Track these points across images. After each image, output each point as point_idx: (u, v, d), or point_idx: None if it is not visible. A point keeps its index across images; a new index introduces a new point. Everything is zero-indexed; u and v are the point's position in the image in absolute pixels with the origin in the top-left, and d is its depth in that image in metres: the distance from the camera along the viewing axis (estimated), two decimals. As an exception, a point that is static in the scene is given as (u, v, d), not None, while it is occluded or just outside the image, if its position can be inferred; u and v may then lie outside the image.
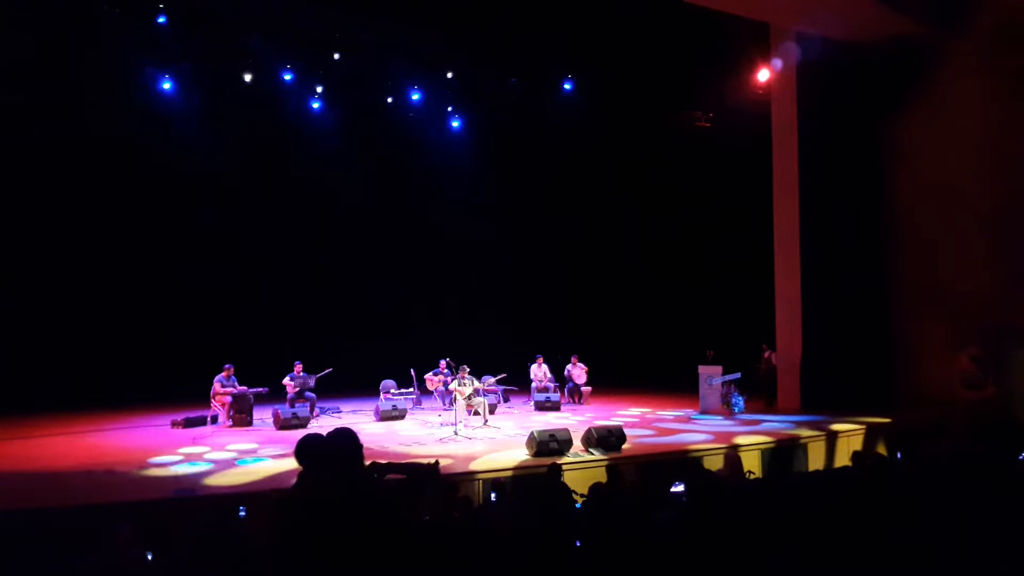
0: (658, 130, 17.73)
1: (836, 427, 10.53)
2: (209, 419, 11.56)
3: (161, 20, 13.15)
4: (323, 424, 11.80)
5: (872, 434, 10.65)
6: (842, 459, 10.06)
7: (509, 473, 7.88)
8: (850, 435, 10.43)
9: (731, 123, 16.25)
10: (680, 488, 5.89)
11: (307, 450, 3.64)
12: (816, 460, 9.85)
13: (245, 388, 11.67)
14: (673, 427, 11.13)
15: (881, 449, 10.31)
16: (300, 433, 3.84)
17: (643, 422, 11.68)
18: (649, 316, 18.71)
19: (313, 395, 12.27)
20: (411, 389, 13.55)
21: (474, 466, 8.10)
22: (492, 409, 12.22)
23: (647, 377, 16.91)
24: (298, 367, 12.36)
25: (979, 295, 11.83)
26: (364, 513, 3.24)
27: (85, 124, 13.95)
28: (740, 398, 12.47)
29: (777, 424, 11.12)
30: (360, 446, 3.56)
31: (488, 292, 18.24)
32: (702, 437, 10.02)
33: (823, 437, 10.13)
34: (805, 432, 10.21)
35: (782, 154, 13.54)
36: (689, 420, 11.81)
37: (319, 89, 15.78)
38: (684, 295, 18.14)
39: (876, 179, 13.63)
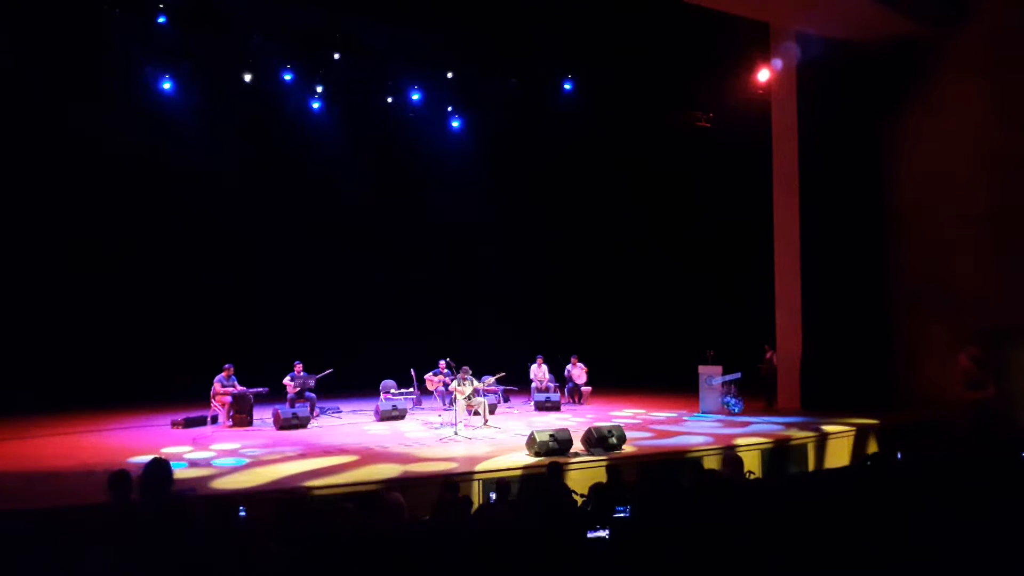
0: (658, 130, 17.71)
1: (835, 427, 10.52)
2: (209, 419, 11.56)
3: (161, 20, 13.16)
4: (323, 424, 11.82)
5: (872, 434, 10.64)
6: (842, 459, 10.06)
7: (509, 473, 7.87)
8: (849, 435, 10.43)
9: (731, 123, 16.23)
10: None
11: (118, 482, 4.38)
12: (816, 460, 9.85)
13: (245, 388, 11.68)
14: (673, 427, 11.12)
15: (881, 449, 10.30)
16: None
17: (643, 422, 11.68)
18: (649, 316, 18.70)
19: (313, 395, 12.27)
20: (411, 389, 13.55)
21: (474, 466, 8.10)
22: (492, 409, 12.21)
23: (647, 377, 16.89)
24: (298, 367, 12.36)
25: (979, 295, 11.83)
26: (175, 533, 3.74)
27: (84, 123, 13.93)
28: (739, 399, 12.45)
29: (777, 425, 11.11)
30: (170, 474, 4.26)
31: (488, 292, 18.23)
32: (702, 438, 10.01)
33: (823, 437, 10.12)
34: (804, 432, 10.20)
35: (782, 154, 13.54)
36: (689, 420, 11.80)
37: (319, 89, 15.78)
38: (684, 295, 18.13)
39: (876, 179, 13.62)
